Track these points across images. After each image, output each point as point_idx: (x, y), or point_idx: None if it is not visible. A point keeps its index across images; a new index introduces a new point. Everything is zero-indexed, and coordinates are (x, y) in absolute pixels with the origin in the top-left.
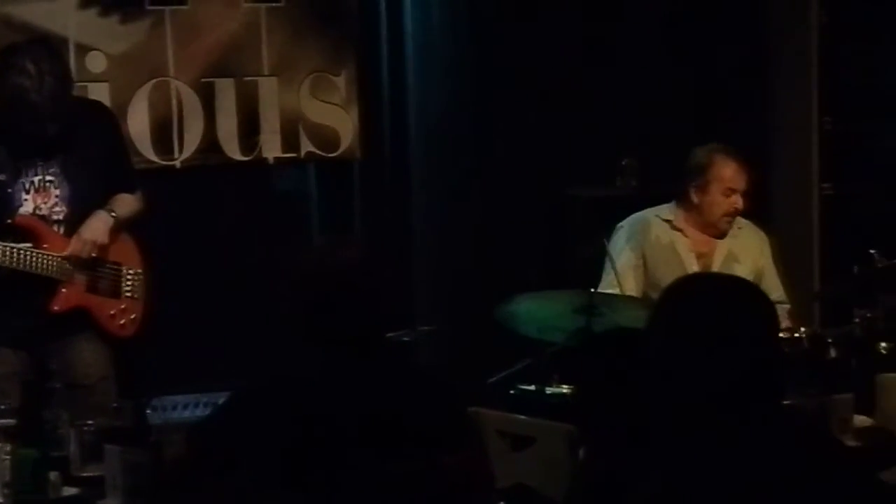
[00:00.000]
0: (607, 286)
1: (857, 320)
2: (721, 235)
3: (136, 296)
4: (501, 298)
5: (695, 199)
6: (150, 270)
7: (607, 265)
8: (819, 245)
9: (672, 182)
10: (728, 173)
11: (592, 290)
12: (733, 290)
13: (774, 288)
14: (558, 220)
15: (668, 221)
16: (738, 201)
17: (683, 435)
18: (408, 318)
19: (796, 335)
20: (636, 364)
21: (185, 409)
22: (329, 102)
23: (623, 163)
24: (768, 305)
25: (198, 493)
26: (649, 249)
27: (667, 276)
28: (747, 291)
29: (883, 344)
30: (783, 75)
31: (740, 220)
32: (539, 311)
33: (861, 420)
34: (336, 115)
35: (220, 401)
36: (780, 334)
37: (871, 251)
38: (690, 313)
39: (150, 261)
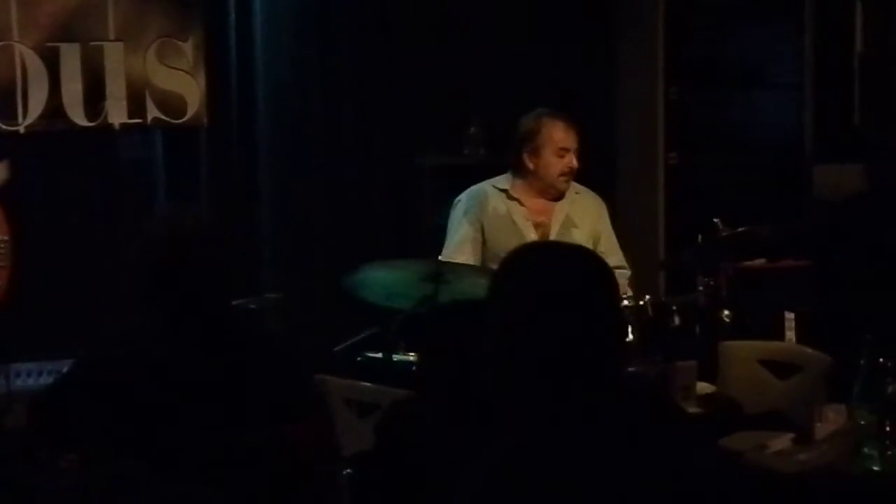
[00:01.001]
0: (451, 255)
1: (700, 288)
2: (560, 196)
3: (2, 263)
4: (349, 266)
5: (529, 164)
6: (15, 238)
7: (447, 237)
8: (664, 214)
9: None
10: (558, 134)
11: (439, 258)
12: (567, 256)
13: (612, 252)
14: (407, 189)
15: (504, 191)
16: (571, 160)
17: (523, 405)
18: (254, 285)
19: (640, 303)
20: (477, 333)
21: (28, 377)
22: (176, 68)
23: (471, 131)
24: (604, 271)
25: (41, 464)
26: (487, 221)
27: (506, 247)
28: (581, 257)
29: (726, 312)
30: (629, 45)
31: (577, 186)
32: (387, 279)
33: (703, 387)
34: (183, 81)
35: (63, 370)
36: (624, 301)
37: (715, 220)
38: (524, 282)
39: (18, 228)
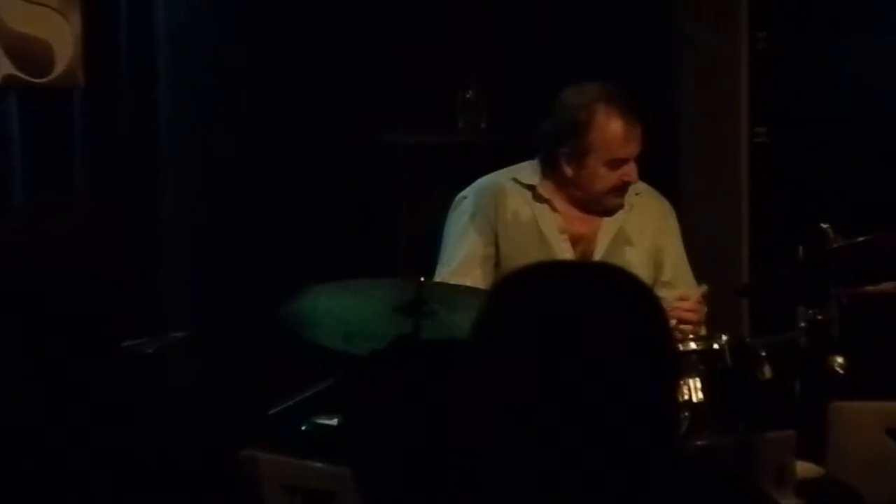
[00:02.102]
0: (448, 276)
1: (802, 325)
2: (607, 214)
3: None
4: (290, 291)
5: (567, 170)
6: None
7: (443, 252)
8: (748, 216)
9: (536, 131)
10: (616, 138)
11: (422, 278)
12: (598, 281)
13: (682, 281)
14: (375, 179)
15: (530, 188)
16: (629, 172)
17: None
18: (152, 318)
19: (714, 346)
20: (465, 394)
21: None
22: (38, 2)
23: (467, 95)
24: (654, 306)
25: None
26: (504, 230)
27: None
28: (619, 282)
29: (838, 359)
30: None
31: (641, 185)
32: (345, 311)
33: (806, 469)
34: (48, 22)
35: None
36: (689, 344)
37: (822, 224)
38: (531, 321)
39: None
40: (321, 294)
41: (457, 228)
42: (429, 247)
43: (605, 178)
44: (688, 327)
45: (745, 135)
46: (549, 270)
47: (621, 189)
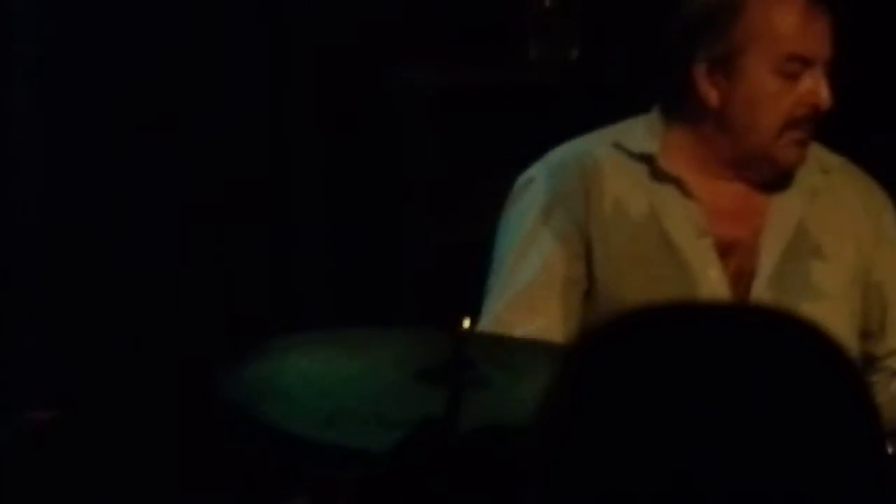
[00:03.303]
0: (503, 313)
1: None
2: (779, 177)
3: None
4: (233, 348)
5: (711, 95)
6: None
7: (498, 271)
8: None
9: (655, 66)
10: (788, 17)
11: (467, 319)
12: (756, 345)
13: None
14: (378, 149)
15: (644, 159)
16: (815, 87)
17: None
18: (7, 392)
19: None
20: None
21: None
22: None
23: (545, 3)
24: (851, 386)
25: None
26: (601, 232)
27: (643, 289)
28: (799, 348)
29: None
30: None
31: (824, 155)
32: (329, 379)
33: None
34: None
35: None
36: None
37: None
38: (638, 404)
39: None
40: (289, 352)
41: (520, 232)
42: (475, 266)
43: (775, 98)
44: None
45: None
46: (671, 322)
47: (803, 123)
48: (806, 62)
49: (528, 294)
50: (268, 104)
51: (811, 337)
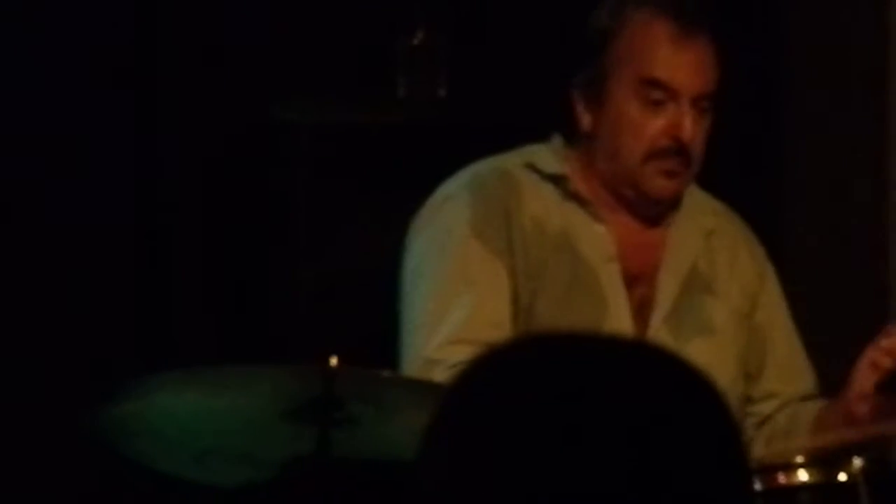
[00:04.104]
0: (445, 347)
1: None
2: (657, 210)
3: None
4: (99, 385)
5: (586, 120)
6: None
7: (421, 304)
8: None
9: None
10: (654, 41)
11: (332, 359)
12: (630, 384)
13: (795, 367)
14: (250, 187)
15: (558, 179)
16: (681, 119)
17: None
18: None
19: (835, 475)
20: None
21: None
22: None
23: (414, 41)
24: (723, 427)
25: None
26: (523, 246)
27: (556, 309)
28: (671, 388)
29: None
30: None
31: (715, 202)
32: (199, 416)
33: None
34: None
35: None
36: (799, 475)
37: None
38: (526, 430)
39: None
40: (159, 389)
41: (444, 252)
42: (347, 304)
43: (638, 125)
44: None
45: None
46: (548, 357)
47: (667, 154)
48: (670, 92)
49: (477, 316)
50: (136, 142)
51: (691, 379)
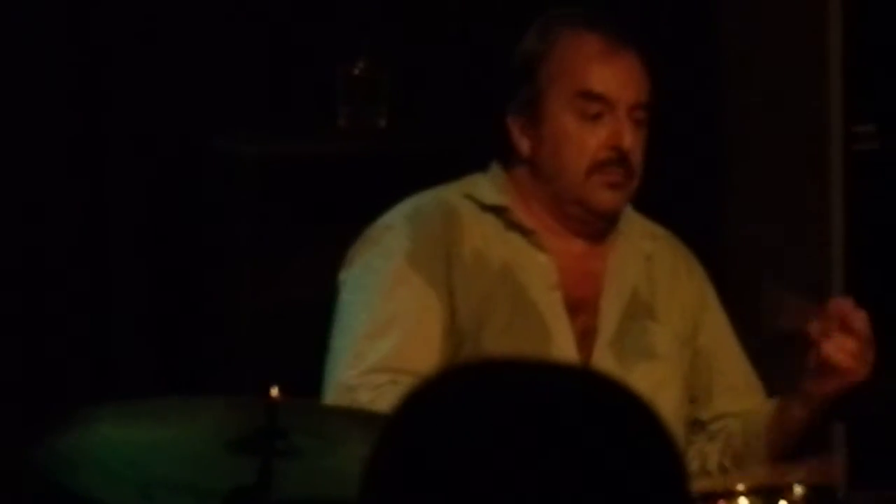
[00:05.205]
0: (371, 375)
1: None
2: (595, 226)
3: None
4: (52, 417)
5: (524, 144)
6: None
7: (352, 337)
8: (843, 271)
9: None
10: (586, 57)
11: (273, 391)
12: (573, 409)
13: (743, 386)
14: (187, 219)
15: (499, 210)
16: (619, 129)
17: None
18: None
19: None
20: None
21: None
22: None
23: (355, 70)
24: (665, 455)
25: None
26: (464, 277)
27: (500, 339)
28: (614, 415)
29: None
30: None
31: (653, 226)
32: (142, 449)
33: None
34: None
35: None
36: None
37: None
38: (468, 459)
39: None
40: (102, 421)
41: (380, 283)
42: (289, 334)
43: (577, 139)
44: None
45: (840, 133)
46: (488, 386)
47: (610, 166)
48: (606, 103)
49: (408, 346)
50: (79, 170)
51: (632, 405)
